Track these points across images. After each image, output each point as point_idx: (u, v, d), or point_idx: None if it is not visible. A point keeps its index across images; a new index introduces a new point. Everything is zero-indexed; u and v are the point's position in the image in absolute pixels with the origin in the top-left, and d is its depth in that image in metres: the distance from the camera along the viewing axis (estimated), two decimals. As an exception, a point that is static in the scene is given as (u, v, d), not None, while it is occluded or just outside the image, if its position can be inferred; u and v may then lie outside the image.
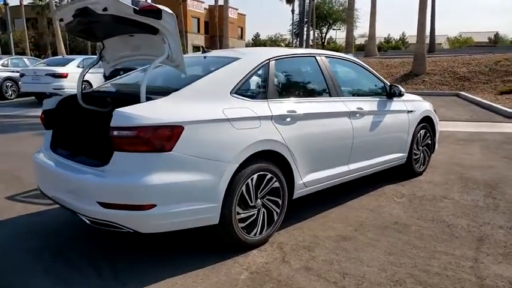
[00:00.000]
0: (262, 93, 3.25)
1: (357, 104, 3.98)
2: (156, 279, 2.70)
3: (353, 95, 4.13)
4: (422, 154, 5.03)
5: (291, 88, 3.71)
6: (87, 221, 2.75)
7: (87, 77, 13.59)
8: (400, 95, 4.47)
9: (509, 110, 10.13)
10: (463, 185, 4.67)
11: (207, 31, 50.05)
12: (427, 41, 22.19)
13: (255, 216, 3.07)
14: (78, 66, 13.40)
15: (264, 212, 3.13)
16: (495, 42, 65.09)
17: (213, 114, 2.82)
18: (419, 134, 4.87)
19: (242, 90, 3.10)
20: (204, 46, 4.97)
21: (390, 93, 4.41)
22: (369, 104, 4.14)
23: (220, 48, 41.28)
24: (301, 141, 3.33)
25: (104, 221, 2.64)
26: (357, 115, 3.91)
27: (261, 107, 3.12)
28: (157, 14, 2.65)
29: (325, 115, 3.60)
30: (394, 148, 4.51)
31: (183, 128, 2.63)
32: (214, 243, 3.14)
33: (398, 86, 4.47)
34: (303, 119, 3.37)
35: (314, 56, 3.85)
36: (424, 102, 5.11)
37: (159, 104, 2.70)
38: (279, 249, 3.12)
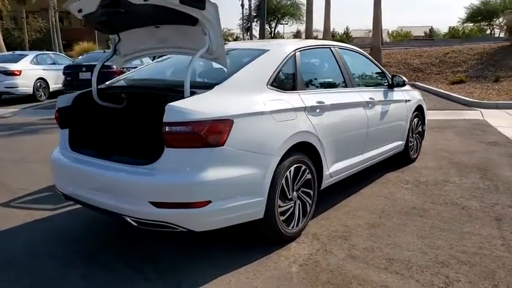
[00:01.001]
0: (292, 84, 3.24)
1: (368, 94, 4.07)
2: (207, 278, 2.63)
3: (363, 86, 4.22)
4: (415, 141, 5.25)
5: (316, 79, 3.72)
6: (133, 223, 2.60)
7: (42, 74, 12.93)
8: (404, 84, 4.62)
9: (466, 98, 10.81)
10: (457, 169, 4.93)
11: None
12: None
13: (292, 209, 3.06)
14: (32, 63, 12.56)
15: (299, 204, 3.13)
16: (430, 36, 69.02)
17: (257, 107, 2.77)
18: (413, 122, 5.07)
19: (276, 82, 3.07)
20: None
21: (392, 83, 4.55)
22: (378, 94, 4.26)
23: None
24: (329, 131, 3.36)
25: (155, 221, 2.51)
26: (370, 105, 4.00)
27: (294, 99, 3.10)
28: (201, 3, 2.54)
29: (347, 105, 3.66)
30: (396, 136, 4.68)
31: (233, 121, 2.56)
32: (250, 238, 3.09)
33: (401, 76, 4.62)
34: (330, 110, 3.40)
35: (329, 47, 3.89)
36: (415, 92, 5.33)
37: (207, 98, 2.60)
38: (316, 240, 3.14)
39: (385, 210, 3.71)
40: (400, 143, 4.79)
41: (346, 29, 75.26)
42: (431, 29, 76.10)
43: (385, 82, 4.59)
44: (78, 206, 3.84)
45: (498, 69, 13.56)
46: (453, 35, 43.91)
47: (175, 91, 2.74)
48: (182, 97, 2.54)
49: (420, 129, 5.38)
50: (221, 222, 2.64)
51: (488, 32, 45.93)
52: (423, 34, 72.21)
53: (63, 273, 2.72)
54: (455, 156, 5.54)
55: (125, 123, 3.34)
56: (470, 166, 5.03)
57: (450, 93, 11.85)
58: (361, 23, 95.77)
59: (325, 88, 3.64)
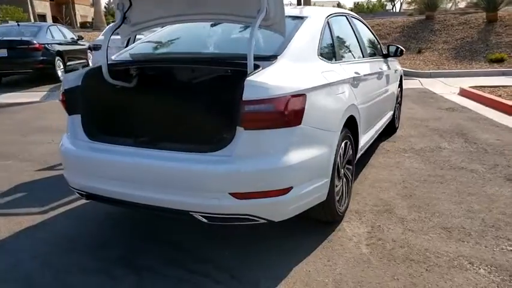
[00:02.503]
0: (332, 54, 3.03)
1: (377, 63, 4.01)
2: (282, 271, 2.39)
3: (369, 55, 4.14)
4: (397, 111, 5.38)
5: (345, 48, 3.52)
6: (204, 220, 2.24)
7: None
8: (402, 53, 4.62)
9: (404, 69, 11.43)
10: (439, 135, 5.16)
11: (52, -4, 43.96)
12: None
13: (341, 187, 2.91)
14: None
15: (344, 181, 2.99)
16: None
17: (321, 80, 2.53)
18: (398, 91, 5.17)
19: (322, 52, 2.83)
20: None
21: (388, 53, 4.53)
22: (381, 64, 4.22)
23: (66, 17, 36.86)
24: (363, 104, 3.24)
25: (235, 215, 2.18)
26: (379, 75, 3.95)
27: (340, 70, 2.92)
28: None
29: (371, 76, 3.57)
30: (390, 106, 4.73)
31: (306, 96, 2.29)
32: (291, 225, 2.88)
33: (398, 45, 4.62)
34: (362, 81, 3.27)
35: (346, 15, 3.72)
36: (396, 61, 5.42)
37: (277, 71, 2.29)
38: (362, 217, 3.04)
39: (405, 180, 3.73)
40: (391, 112, 4.86)
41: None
42: (338, 4, 79.51)
43: (382, 52, 4.57)
44: (73, 205, 3.32)
45: (419, 41, 14.53)
46: (359, 10, 46.35)
47: (231, 64, 2.38)
48: (242, 71, 2.22)
49: (399, 99, 5.51)
50: (296, 210, 2.39)
51: (390, 7, 49.13)
52: (332, 8, 75.27)
53: (123, 279, 2.30)
54: (428, 123, 5.80)
55: (164, 104, 2.89)
56: (448, 131, 5.29)
57: (383, 64, 12.45)
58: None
59: (352, 58, 3.48)
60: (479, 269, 2.36)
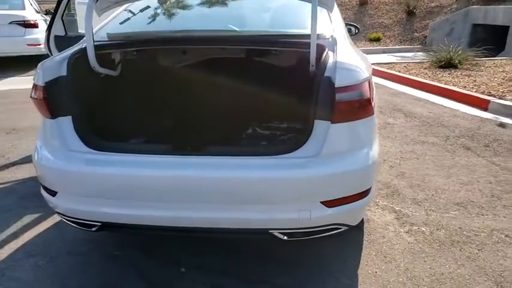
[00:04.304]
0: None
1: None
2: (351, 277, 2.15)
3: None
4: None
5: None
6: (283, 237, 1.84)
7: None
8: (358, 31, 4.56)
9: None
10: (379, 111, 5.34)
11: None
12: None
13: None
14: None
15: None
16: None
17: (367, 61, 2.27)
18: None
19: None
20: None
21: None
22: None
23: None
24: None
25: (320, 227, 1.84)
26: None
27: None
28: None
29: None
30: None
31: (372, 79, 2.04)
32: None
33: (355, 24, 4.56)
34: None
35: None
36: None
37: (347, 51, 1.98)
38: (376, 205, 2.94)
39: (385, 159, 3.76)
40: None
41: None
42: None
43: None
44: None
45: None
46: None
47: (294, 44, 1.99)
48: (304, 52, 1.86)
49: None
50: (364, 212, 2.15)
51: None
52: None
53: None
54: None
55: (206, 96, 2.32)
56: (384, 107, 5.53)
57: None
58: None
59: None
60: (518, 240, 2.46)
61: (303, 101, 1.89)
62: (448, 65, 7.76)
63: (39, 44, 7.98)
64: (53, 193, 1.94)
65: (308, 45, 1.87)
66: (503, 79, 6.51)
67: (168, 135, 2.03)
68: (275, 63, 2.51)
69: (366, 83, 1.84)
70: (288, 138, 1.87)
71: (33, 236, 2.59)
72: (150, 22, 2.47)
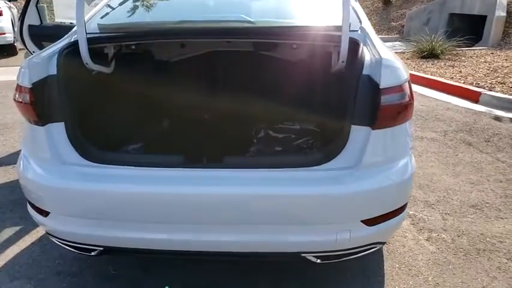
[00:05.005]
0: None
1: None
2: None
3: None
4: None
5: None
6: (317, 260, 1.61)
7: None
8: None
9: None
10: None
11: None
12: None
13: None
14: None
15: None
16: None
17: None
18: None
19: None
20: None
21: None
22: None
23: None
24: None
25: (358, 248, 1.62)
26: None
27: None
28: None
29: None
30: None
31: None
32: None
33: None
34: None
35: None
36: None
37: (382, 47, 1.74)
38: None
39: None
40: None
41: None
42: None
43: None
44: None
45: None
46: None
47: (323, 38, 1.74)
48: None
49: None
50: None
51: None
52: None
53: None
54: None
55: (222, 98, 2.03)
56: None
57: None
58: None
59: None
60: (544, 245, 2.35)
61: (333, 103, 1.66)
62: (430, 55, 7.72)
63: (3, 34, 7.37)
64: (45, 213, 1.63)
65: (337, 38, 1.64)
66: (488, 70, 6.50)
67: (178, 144, 1.75)
68: (294, 59, 2.25)
69: (407, 83, 1.63)
70: (317, 146, 1.63)
71: (15, 253, 2.27)
72: (149, 11, 2.14)
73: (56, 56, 1.64)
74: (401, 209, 1.69)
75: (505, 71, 6.34)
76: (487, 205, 2.78)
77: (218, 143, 1.75)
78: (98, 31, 1.89)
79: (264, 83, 2.04)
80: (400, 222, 1.75)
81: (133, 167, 1.58)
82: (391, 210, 1.62)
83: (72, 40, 1.80)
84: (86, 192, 1.56)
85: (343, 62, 1.65)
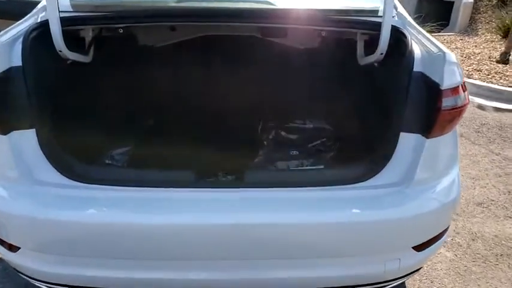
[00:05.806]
0: None
1: None
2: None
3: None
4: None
5: None
6: None
7: None
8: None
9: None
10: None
11: None
12: None
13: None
14: None
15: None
16: None
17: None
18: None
19: None
20: None
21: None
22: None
23: None
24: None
25: (406, 276, 1.38)
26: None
27: None
28: None
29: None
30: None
31: None
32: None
33: None
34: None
35: None
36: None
37: (428, 38, 1.48)
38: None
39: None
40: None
41: None
42: None
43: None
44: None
45: None
46: None
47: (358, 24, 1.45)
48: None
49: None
50: None
51: None
52: None
53: None
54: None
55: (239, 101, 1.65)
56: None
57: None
58: None
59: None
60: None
61: (372, 105, 1.39)
62: (403, 40, 7.63)
63: None
64: (14, 248, 1.27)
65: (375, 25, 1.36)
66: (461, 56, 6.49)
67: (186, 156, 1.41)
68: (320, 51, 1.89)
69: (463, 85, 1.38)
70: (354, 157, 1.36)
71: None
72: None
73: (21, 40, 1.25)
74: (447, 229, 1.46)
75: (478, 57, 6.35)
76: (493, 203, 2.66)
77: (237, 154, 1.42)
78: (71, 9, 1.49)
79: (282, 78, 1.71)
80: (441, 244, 1.52)
81: (128, 188, 1.24)
82: (440, 231, 1.39)
83: (39, 20, 1.41)
84: (67, 223, 1.20)
85: (381, 54, 1.38)
